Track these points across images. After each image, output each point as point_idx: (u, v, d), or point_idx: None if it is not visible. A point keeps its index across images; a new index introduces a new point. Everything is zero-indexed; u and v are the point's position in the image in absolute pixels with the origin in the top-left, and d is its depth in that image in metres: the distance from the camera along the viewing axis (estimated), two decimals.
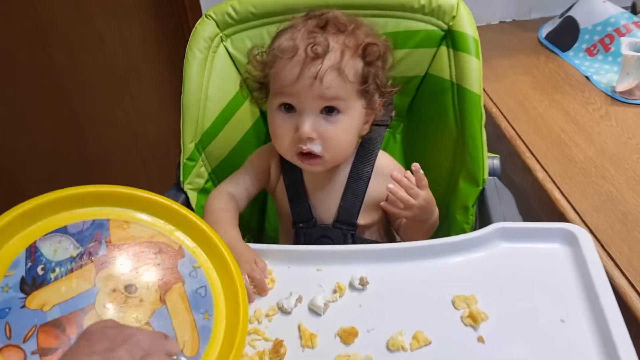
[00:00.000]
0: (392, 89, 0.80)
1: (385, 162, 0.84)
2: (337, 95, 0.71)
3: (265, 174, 0.86)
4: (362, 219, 0.82)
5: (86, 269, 0.55)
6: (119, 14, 1.42)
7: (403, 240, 0.87)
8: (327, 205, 0.83)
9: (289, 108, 0.74)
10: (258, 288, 0.67)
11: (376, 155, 0.83)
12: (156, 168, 1.62)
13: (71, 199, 0.59)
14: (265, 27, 0.88)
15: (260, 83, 0.79)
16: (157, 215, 0.63)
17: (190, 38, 0.86)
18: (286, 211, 0.85)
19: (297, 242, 0.84)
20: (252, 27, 0.89)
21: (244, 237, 0.99)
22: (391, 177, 0.72)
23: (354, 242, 0.82)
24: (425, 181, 0.73)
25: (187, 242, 0.63)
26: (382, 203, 0.77)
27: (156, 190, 0.91)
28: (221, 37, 0.88)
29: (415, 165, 0.72)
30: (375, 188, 0.81)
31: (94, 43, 1.46)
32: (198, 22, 0.87)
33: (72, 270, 0.54)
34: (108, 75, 1.51)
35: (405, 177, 0.72)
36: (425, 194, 0.74)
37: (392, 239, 0.91)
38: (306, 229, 0.83)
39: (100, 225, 0.58)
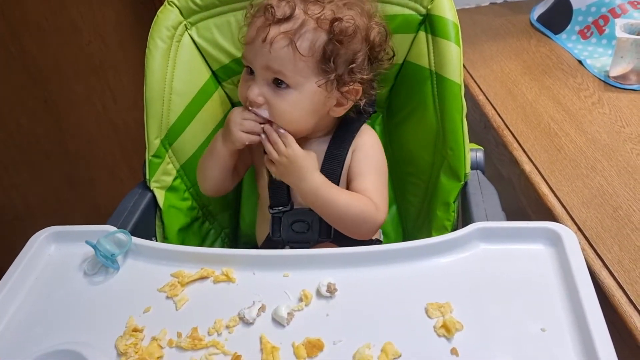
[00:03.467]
0: (367, 77, 0.75)
1: (364, 139, 0.81)
2: (283, 68, 0.70)
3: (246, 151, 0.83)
4: None
5: None
6: (92, 0, 1.35)
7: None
8: None
9: (251, 71, 0.73)
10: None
11: (353, 136, 0.80)
12: (138, 159, 1.56)
13: None
14: (233, 13, 0.83)
15: None
16: None
17: (152, 27, 0.81)
18: (266, 197, 0.82)
19: (273, 227, 0.81)
20: (219, 13, 0.84)
21: (218, 235, 0.98)
22: (264, 129, 0.73)
23: (329, 226, 0.79)
24: (288, 139, 0.73)
25: None
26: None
27: (134, 184, 0.87)
28: (185, 25, 0.83)
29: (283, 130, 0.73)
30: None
31: (67, 31, 1.40)
32: (160, 9, 0.82)
33: None
34: (84, 64, 1.45)
35: (276, 131, 0.73)
36: (289, 152, 0.72)
37: None
38: (282, 213, 0.80)
39: None
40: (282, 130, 0.73)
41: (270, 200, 0.81)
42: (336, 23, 0.69)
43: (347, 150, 0.79)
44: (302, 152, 0.73)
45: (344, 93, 0.74)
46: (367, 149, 0.80)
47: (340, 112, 0.77)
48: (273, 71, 0.70)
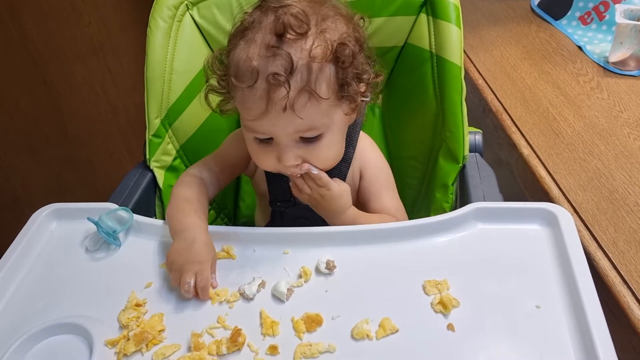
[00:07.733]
0: (376, 76, 0.70)
1: (368, 156, 0.79)
2: (311, 123, 0.63)
3: (242, 160, 0.80)
4: None
5: None
6: None
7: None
8: None
9: (265, 139, 0.66)
10: (200, 294, 0.62)
11: (359, 135, 0.78)
12: (137, 143, 1.56)
13: None
14: None
15: (227, 93, 0.68)
16: None
17: (153, 6, 0.81)
18: (264, 191, 0.81)
19: (273, 222, 0.80)
20: None
21: (217, 215, 0.98)
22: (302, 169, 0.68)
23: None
24: (324, 180, 0.69)
25: None
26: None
27: (133, 166, 0.87)
28: (187, 5, 0.83)
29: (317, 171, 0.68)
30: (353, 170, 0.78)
31: (67, 13, 1.39)
32: None
33: None
34: (83, 46, 1.45)
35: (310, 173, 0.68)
36: (325, 192, 0.70)
37: None
38: (284, 209, 0.79)
39: None
40: (314, 171, 0.68)
41: (269, 195, 0.79)
42: (340, 49, 0.62)
43: (349, 167, 0.77)
44: (337, 191, 0.70)
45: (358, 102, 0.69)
46: (374, 166, 0.79)
47: (355, 114, 0.71)
48: (302, 130, 0.64)
